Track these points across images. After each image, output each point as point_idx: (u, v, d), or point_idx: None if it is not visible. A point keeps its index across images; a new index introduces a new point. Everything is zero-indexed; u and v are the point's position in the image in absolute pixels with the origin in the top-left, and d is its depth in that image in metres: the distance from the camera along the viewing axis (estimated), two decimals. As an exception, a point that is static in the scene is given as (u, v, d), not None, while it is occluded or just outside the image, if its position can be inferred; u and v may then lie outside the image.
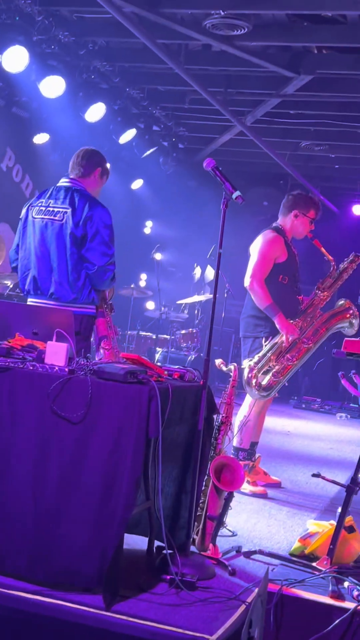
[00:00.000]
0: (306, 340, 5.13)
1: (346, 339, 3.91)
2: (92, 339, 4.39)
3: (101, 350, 4.39)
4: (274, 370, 5.04)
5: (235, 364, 4.17)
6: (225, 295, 10.66)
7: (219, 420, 3.89)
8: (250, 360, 5.08)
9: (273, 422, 8.74)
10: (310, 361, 5.56)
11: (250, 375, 5.04)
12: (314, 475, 3.67)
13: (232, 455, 5.10)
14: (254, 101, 8.89)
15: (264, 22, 6.85)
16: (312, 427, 9.17)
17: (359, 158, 10.59)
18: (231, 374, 4.15)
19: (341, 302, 5.30)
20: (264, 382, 5.02)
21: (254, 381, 5.02)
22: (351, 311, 5.23)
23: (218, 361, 4.30)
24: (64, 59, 7.49)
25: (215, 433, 3.84)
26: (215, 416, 3.72)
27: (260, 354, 5.07)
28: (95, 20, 7.32)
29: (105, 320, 4.36)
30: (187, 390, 3.42)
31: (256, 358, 5.06)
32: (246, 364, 5.09)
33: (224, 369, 4.20)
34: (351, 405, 10.87)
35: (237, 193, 3.61)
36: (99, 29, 7.41)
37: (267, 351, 5.08)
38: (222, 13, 6.36)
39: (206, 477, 3.64)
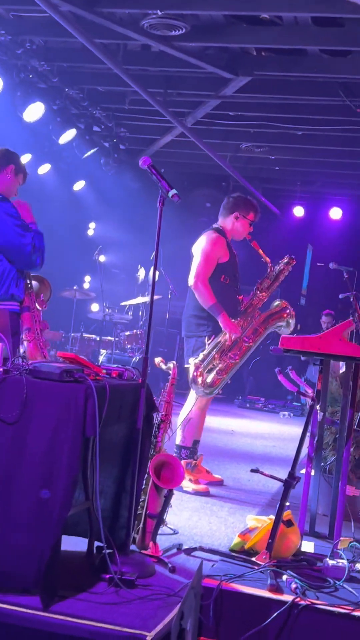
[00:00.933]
0: (247, 339, 5.20)
1: (283, 335, 3.98)
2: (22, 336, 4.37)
3: (25, 342, 4.37)
4: (217, 368, 5.10)
5: (175, 362, 4.19)
6: (170, 296, 10.71)
7: (159, 418, 3.90)
8: (196, 358, 5.12)
9: (217, 421, 8.80)
10: (248, 360, 5.62)
11: (196, 373, 5.09)
12: (252, 470, 3.71)
13: (174, 454, 5.12)
14: (194, 102, 8.94)
15: (202, 23, 6.90)
16: (255, 425, 9.26)
17: (298, 160, 10.76)
18: (170, 372, 4.16)
19: (277, 302, 5.39)
20: (209, 380, 5.08)
21: (200, 379, 5.07)
22: (287, 311, 5.32)
23: (157, 359, 4.31)
24: (1, 58, 7.41)
25: (155, 431, 3.85)
26: (154, 414, 3.74)
27: (205, 352, 5.13)
28: (33, 19, 7.26)
29: (31, 314, 4.36)
30: (126, 389, 3.42)
31: (201, 356, 5.11)
32: (191, 362, 5.13)
33: (163, 367, 4.22)
34: (294, 403, 11.04)
35: (173, 191, 3.63)
36: (36, 27, 7.36)
37: (211, 350, 5.13)
38: (160, 13, 6.38)
39: (146, 476, 3.65)
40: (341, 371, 4.74)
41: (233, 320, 5.14)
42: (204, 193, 12.07)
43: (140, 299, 10.33)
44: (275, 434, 8.61)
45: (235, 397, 11.32)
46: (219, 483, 5.37)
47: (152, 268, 11.08)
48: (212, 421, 8.57)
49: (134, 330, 10.11)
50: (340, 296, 8.54)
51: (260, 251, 5.33)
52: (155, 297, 11.85)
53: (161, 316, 10.81)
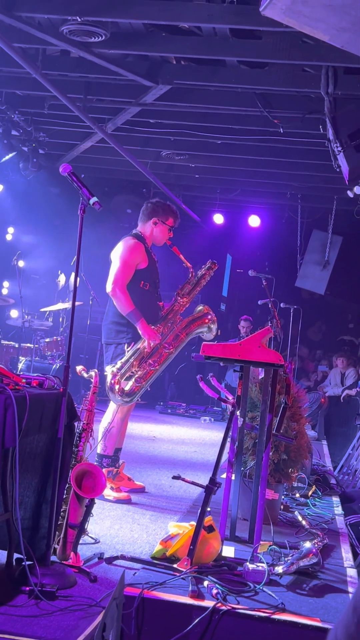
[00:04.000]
0: (167, 345, 5.22)
1: (204, 343, 4.02)
2: None
3: None
4: (136, 375, 5.09)
5: (96, 370, 4.17)
6: (91, 302, 10.65)
7: (80, 427, 3.87)
8: (113, 366, 5.10)
9: (139, 427, 8.80)
10: (173, 367, 5.66)
11: (113, 381, 5.07)
12: (174, 477, 3.73)
13: (96, 463, 5.09)
14: (114, 109, 8.93)
15: (122, 31, 6.90)
16: (177, 431, 9.31)
17: (217, 168, 10.89)
18: (92, 380, 4.14)
19: (200, 307, 5.43)
20: (127, 388, 5.07)
21: (117, 387, 5.05)
22: (209, 316, 5.37)
23: (79, 368, 4.28)
24: None
25: (76, 440, 3.82)
26: (76, 423, 3.71)
27: (123, 360, 5.11)
28: None
29: None
30: (47, 398, 3.38)
31: (119, 364, 5.09)
32: (109, 370, 5.11)
33: (85, 375, 4.19)
34: (214, 408, 11.15)
35: (94, 199, 3.62)
36: None
37: (130, 357, 5.12)
38: (79, 19, 6.35)
39: (67, 485, 3.62)
40: (260, 377, 4.83)
41: (152, 326, 5.16)
42: (125, 199, 12.06)
43: (60, 305, 10.22)
44: (197, 439, 8.68)
45: (156, 403, 11.33)
46: (141, 490, 5.37)
47: (72, 274, 11.04)
48: (134, 427, 8.56)
49: (55, 337, 10.00)
50: (259, 302, 8.74)
51: (181, 256, 5.37)
52: (76, 303, 11.78)
53: (82, 322, 10.74)
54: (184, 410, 11.18)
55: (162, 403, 11.38)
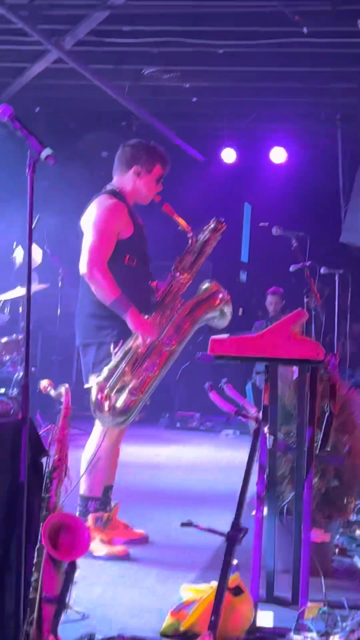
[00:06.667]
0: (167, 340, 5.21)
1: (212, 338, 4.02)
2: None
3: None
4: (130, 386, 5.08)
5: (67, 386, 4.17)
6: (60, 284, 10.65)
7: (51, 464, 3.88)
8: (98, 375, 5.10)
9: (137, 451, 8.84)
10: (175, 368, 5.68)
11: (100, 396, 5.07)
12: (183, 524, 3.75)
13: (77, 510, 5.12)
14: (73, 16, 8.90)
15: None
16: (189, 453, 9.35)
17: (221, 87, 10.85)
18: (62, 399, 4.14)
19: (206, 284, 5.41)
20: (120, 404, 5.06)
21: (106, 404, 5.05)
22: (220, 295, 5.35)
23: (43, 383, 4.27)
24: None
25: (47, 483, 3.83)
26: (44, 460, 3.73)
27: (110, 366, 5.11)
28: None
29: None
30: (1, 429, 3.40)
31: (106, 372, 5.09)
32: (93, 381, 5.11)
33: (52, 393, 4.19)
34: (240, 418, 11.16)
35: (47, 151, 3.62)
36: None
37: (119, 361, 5.11)
38: None
39: (38, 546, 3.63)
40: (295, 377, 4.83)
41: (146, 316, 5.15)
42: (98, 138, 12.04)
43: (20, 291, 10.22)
44: (217, 462, 8.70)
45: (160, 415, 11.36)
46: (142, 540, 5.40)
47: (33, 245, 11.00)
48: (130, 452, 8.56)
49: (14, 335, 9.98)
50: (291, 268, 8.73)
51: (176, 217, 5.34)
52: (40, 286, 11.70)
53: (51, 312, 10.75)
54: (198, 422, 11.22)
55: (167, 415, 11.42)
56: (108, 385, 5.07)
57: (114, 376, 5.09)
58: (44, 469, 3.74)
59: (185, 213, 5.45)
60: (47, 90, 11.09)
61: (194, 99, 11.31)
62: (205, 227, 5.45)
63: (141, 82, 10.71)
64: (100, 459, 5.20)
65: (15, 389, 8.45)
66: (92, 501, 5.22)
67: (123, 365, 5.12)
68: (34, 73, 10.34)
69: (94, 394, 5.08)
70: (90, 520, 5.13)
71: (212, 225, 5.44)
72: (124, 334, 5.16)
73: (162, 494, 6.99)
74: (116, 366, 5.12)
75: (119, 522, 5.34)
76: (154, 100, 11.26)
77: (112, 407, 5.06)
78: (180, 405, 11.96)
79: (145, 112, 10.99)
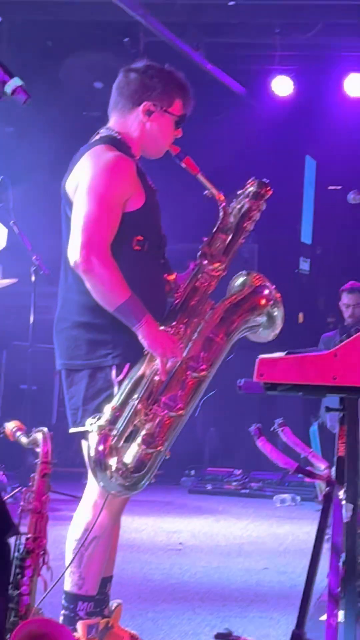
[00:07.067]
0: (194, 363, 5.20)
1: (260, 357, 4.03)
2: None
3: None
4: (144, 431, 5.07)
5: (45, 431, 4.20)
6: (33, 277, 10.69)
7: (22, 547, 3.92)
8: (98, 417, 5.08)
9: (150, 525, 8.87)
10: (204, 403, 5.69)
11: (103, 448, 5.03)
12: (219, 636, 3.77)
13: (61, 615, 5.13)
14: None
15: None
16: (225, 528, 9.35)
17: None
18: (38, 450, 4.18)
19: (242, 278, 5.41)
20: (129, 459, 5.04)
21: (112, 460, 5.02)
22: (266, 292, 5.34)
23: (10, 426, 4.33)
24: None
25: (16, 575, 3.87)
26: (12, 540, 3.75)
27: (115, 403, 5.09)
28: None
29: None
30: None
31: (108, 412, 5.07)
32: (90, 425, 5.09)
33: (23, 440, 4.23)
34: (301, 477, 11.12)
35: (15, 82, 3.68)
36: None
37: (128, 395, 5.10)
38: None
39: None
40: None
41: (162, 327, 5.15)
42: (89, 61, 12.09)
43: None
44: (267, 542, 8.70)
45: (183, 472, 11.36)
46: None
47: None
48: (139, 526, 8.61)
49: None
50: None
51: (202, 177, 5.34)
52: (4, 281, 11.95)
53: (21, 320, 10.79)
54: (239, 483, 11.21)
55: (193, 472, 11.42)
56: (114, 431, 5.04)
57: (121, 417, 5.06)
58: (11, 553, 3.76)
59: (215, 171, 5.46)
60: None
61: (232, 3, 11.33)
62: (242, 191, 5.45)
63: (152, -22, 10.79)
64: (96, 539, 5.20)
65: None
66: (82, 601, 5.21)
67: (135, 401, 5.09)
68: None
69: (93, 445, 5.03)
70: (80, 629, 5.13)
71: (252, 189, 5.43)
72: (132, 353, 5.15)
73: (186, 589, 6.99)
74: (124, 403, 5.09)
75: (123, 632, 5.34)
76: (172, 5, 11.29)
77: (121, 463, 5.03)
78: (212, 457, 11.97)
79: (157, 23, 11.02)
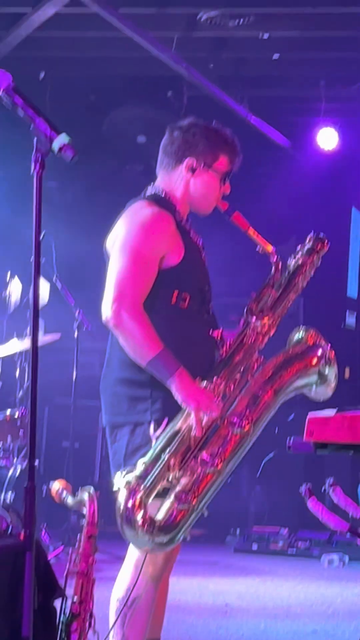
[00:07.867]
0: (237, 419, 5.17)
1: (310, 415, 4.00)
2: None
3: None
4: (178, 489, 5.05)
5: (92, 489, 4.19)
6: (76, 334, 10.69)
7: (68, 609, 3.89)
8: (127, 472, 5.07)
9: (195, 587, 8.80)
10: (250, 461, 5.65)
11: (131, 503, 5.01)
12: None
13: None
14: None
15: None
16: (273, 589, 9.29)
17: (318, 37, 10.89)
18: (85, 511, 4.16)
19: (300, 333, 5.40)
20: (160, 516, 5.02)
21: (139, 515, 5.00)
22: (319, 352, 5.32)
23: (56, 486, 4.31)
24: None
25: (63, 637, 3.84)
26: (58, 602, 3.72)
27: (147, 459, 5.07)
28: None
29: None
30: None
31: (140, 467, 5.05)
32: (119, 480, 5.08)
33: (69, 501, 4.21)
34: (348, 536, 11.01)
35: (62, 139, 3.69)
36: None
37: (161, 450, 5.08)
38: None
39: None
40: None
41: (203, 383, 5.13)
42: (132, 116, 12.17)
43: (16, 345, 10.28)
44: (316, 604, 8.64)
45: (228, 532, 11.28)
46: None
47: (25, 279, 11.05)
48: (183, 589, 8.55)
49: (8, 412, 10.07)
50: None
51: (252, 232, 5.36)
52: (47, 337, 11.93)
53: (64, 376, 10.78)
54: (285, 541, 11.13)
55: (238, 532, 11.35)
56: (142, 487, 5.03)
57: (151, 473, 5.04)
58: (57, 617, 3.73)
59: (265, 226, 5.45)
60: (56, 47, 11.22)
61: (276, 56, 11.36)
62: (300, 247, 5.44)
63: (196, 31, 10.80)
64: (137, 599, 5.16)
65: (11, 494, 8.46)
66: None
67: (166, 456, 5.07)
68: (40, 21, 10.46)
69: (122, 500, 5.02)
70: None
71: (309, 245, 5.43)
72: (171, 408, 5.13)
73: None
74: (156, 458, 5.07)
75: None
76: (216, 58, 11.33)
77: (149, 520, 5.01)
78: (259, 517, 11.89)
79: (200, 77, 11.05)
